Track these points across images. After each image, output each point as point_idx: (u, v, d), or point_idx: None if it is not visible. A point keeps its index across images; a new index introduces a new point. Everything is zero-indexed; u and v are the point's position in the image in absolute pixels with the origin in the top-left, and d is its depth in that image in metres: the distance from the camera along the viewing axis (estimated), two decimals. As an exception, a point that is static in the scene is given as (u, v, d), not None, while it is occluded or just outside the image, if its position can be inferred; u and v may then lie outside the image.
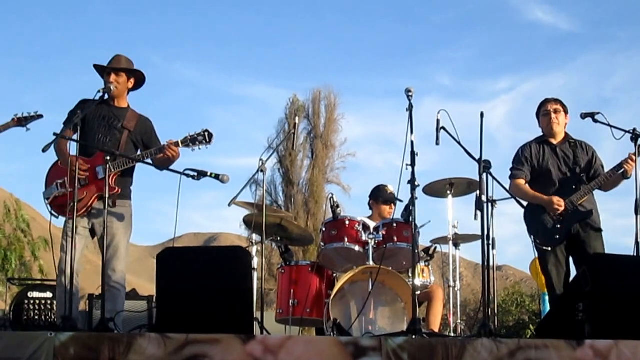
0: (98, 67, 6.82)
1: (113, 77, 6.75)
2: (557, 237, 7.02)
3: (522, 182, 7.27)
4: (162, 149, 6.56)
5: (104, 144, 6.57)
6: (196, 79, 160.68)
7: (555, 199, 7.01)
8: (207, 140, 6.51)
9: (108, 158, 6.20)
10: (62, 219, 6.56)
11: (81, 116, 6.20)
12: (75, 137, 6.23)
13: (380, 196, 8.31)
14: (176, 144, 6.51)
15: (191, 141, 6.50)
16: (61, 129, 6.45)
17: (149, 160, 6.69)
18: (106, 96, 6.62)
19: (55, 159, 6.68)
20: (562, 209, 6.97)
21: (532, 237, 7.16)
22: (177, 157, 6.56)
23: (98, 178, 6.47)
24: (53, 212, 6.53)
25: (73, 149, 6.25)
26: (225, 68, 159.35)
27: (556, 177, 7.22)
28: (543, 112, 7.38)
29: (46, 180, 6.66)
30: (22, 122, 6.48)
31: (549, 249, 7.04)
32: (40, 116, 6.44)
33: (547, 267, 7.05)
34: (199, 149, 6.55)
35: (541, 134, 7.46)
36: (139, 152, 6.79)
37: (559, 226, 7.01)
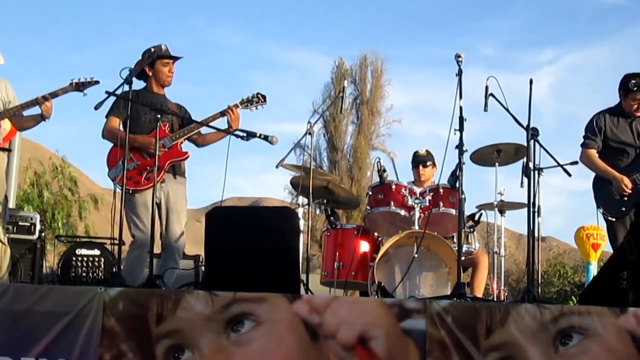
0: (160, 56, 6.91)
1: (173, 68, 6.99)
2: (623, 209, 6.99)
3: (593, 152, 7.24)
4: (223, 112, 6.75)
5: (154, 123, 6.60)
6: (238, 43, 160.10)
7: (625, 180, 6.97)
8: (263, 100, 6.82)
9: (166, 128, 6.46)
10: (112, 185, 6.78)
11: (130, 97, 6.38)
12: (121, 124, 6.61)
13: (413, 159, 8.35)
14: (235, 106, 6.74)
15: (248, 102, 6.73)
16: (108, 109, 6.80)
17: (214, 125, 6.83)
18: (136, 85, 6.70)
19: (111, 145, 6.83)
20: (628, 191, 6.95)
21: (600, 207, 7.15)
22: (238, 117, 6.75)
23: (166, 148, 6.68)
24: (127, 187, 6.43)
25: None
26: (268, 33, 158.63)
27: (629, 151, 7.17)
28: (632, 97, 7.12)
29: (108, 163, 6.81)
30: (79, 87, 6.57)
31: (614, 219, 7.03)
32: (97, 82, 6.53)
33: (616, 238, 7.00)
34: (256, 109, 6.85)
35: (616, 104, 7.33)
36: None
37: (625, 199, 6.98)
